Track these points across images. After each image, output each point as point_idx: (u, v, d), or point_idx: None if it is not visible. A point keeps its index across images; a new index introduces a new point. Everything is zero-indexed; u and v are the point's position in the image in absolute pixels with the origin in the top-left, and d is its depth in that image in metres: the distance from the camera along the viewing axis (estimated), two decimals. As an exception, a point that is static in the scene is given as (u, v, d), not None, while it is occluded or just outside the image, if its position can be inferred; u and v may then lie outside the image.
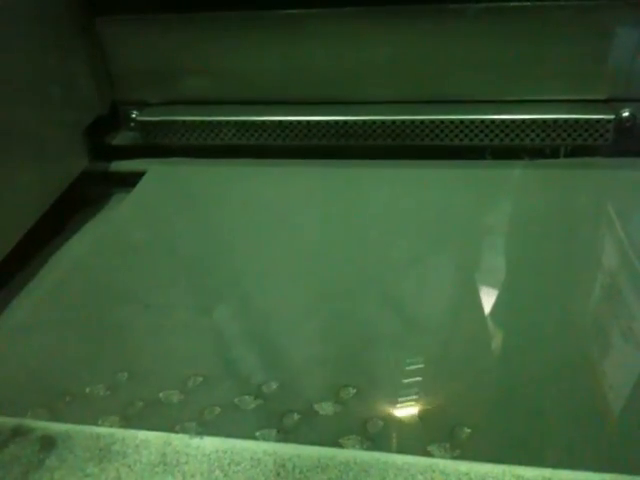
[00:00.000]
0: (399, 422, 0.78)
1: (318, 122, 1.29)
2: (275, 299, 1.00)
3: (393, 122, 1.26)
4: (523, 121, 1.21)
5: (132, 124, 1.40)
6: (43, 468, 0.63)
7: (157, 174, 1.35)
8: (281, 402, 0.82)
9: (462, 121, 1.23)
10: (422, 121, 1.24)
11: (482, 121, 1.22)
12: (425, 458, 0.63)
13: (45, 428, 0.67)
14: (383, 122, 1.26)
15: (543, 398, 0.79)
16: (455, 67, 1.26)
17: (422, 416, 0.78)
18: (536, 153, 1.25)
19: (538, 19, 1.20)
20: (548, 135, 1.22)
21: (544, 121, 1.20)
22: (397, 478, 0.59)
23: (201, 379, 0.86)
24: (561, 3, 1.18)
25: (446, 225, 1.13)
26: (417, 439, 0.75)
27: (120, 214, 1.27)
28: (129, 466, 0.62)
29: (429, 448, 0.74)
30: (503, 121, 1.22)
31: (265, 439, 0.76)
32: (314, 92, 1.34)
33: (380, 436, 0.76)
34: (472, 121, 1.22)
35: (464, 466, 0.60)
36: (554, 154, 1.25)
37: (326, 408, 0.80)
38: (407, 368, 0.86)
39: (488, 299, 0.96)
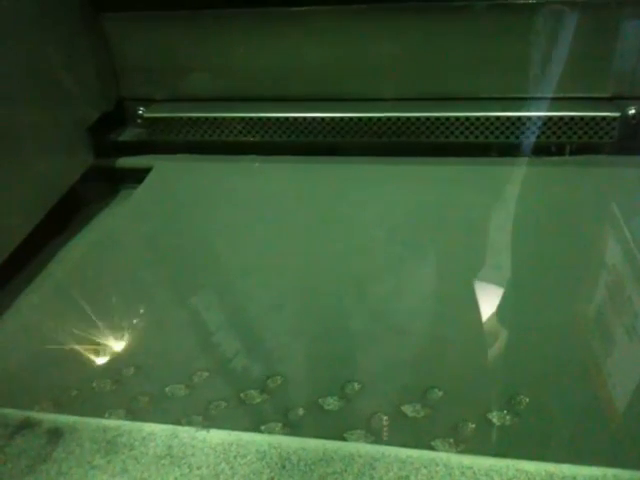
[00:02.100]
0: (403, 417, 0.78)
1: (323, 119, 1.29)
2: (279, 295, 1.01)
3: (398, 119, 1.26)
4: (528, 118, 1.21)
5: (139, 120, 1.40)
6: (50, 460, 0.64)
7: (163, 170, 1.36)
8: (286, 397, 0.82)
9: (467, 118, 1.23)
10: (428, 118, 1.25)
11: (487, 118, 1.22)
12: (429, 452, 0.63)
13: (52, 420, 0.68)
14: (389, 119, 1.26)
15: (547, 394, 0.79)
16: (460, 64, 1.26)
17: (425, 411, 0.79)
18: (541, 150, 1.25)
19: (544, 16, 1.19)
20: (554, 132, 1.22)
21: (550, 118, 1.20)
22: (401, 471, 0.59)
23: (207, 374, 0.87)
24: (567, 0, 1.18)
25: (449, 222, 1.13)
26: (421, 434, 0.76)
27: (126, 210, 1.28)
28: (136, 458, 0.63)
29: (433, 443, 0.74)
30: (508, 118, 1.22)
31: (270, 433, 0.77)
32: (319, 89, 1.34)
33: (384, 431, 0.77)
34: (477, 118, 1.23)
35: (467, 460, 0.60)
36: (559, 152, 1.25)
37: (331, 403, 0.81)
38: (410, 364, 0.86)
39: (491, 296, 0.96)
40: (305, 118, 1.30)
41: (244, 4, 1.27)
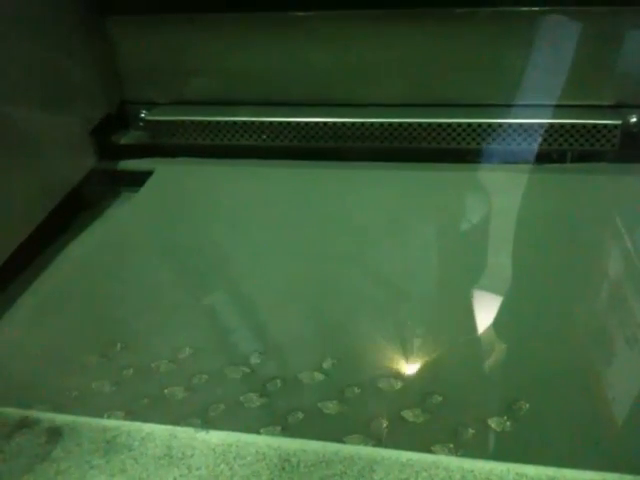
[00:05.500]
0: (402, 422, 0.78)
1: (326, 123, 1.29)
2: (279, 299, 1.01)
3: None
4: (530, 125, 1.21)
5: (140, 123, 1.41)
6: (49, 459, 0.64)
7: (165, 174, 1.36)
8: (286, 400, 0.82)
9: (469, 124, 1.23)
10: (430, 124, 1.25)
11: (489, 124, 1.22)
12: (429, 455, 0.63)
13: (51, 420, 0.68)
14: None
15: (547, 400, 0.79)
16: (463, 70, 1.27)
17: (425, 416, 0.78)
18: (543, 157, 1.25)
19: (546, 25, 1.20)
20: (555, 140, 1.22)
21: (551, 125, 1.21)
22: (401, 474, 0.59)
23: (206, 376, 0.87)
24: (569, 9, 1.18)
25: (449, 228, 1.13)
26: (421, 439, 0.75)
27: (127, 213, 1.28)
28: (135, 458, 0.63)
29: (433, 448, 0.74)
30: (510, 125, 1.22)
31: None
32: (319, 94, 1.34)
33: (384, 436, 0.76)
34: (479, 124, 1.23)
35: (468, 463, 0.60)
36: (561, 159, 1.26)
37: (330, 407, 0.81)
38: (410, 371, 0.86)
39: (491, 302, 0.96)
40: (307, 123, 1.30)
41: (247, 8, 1.28)
